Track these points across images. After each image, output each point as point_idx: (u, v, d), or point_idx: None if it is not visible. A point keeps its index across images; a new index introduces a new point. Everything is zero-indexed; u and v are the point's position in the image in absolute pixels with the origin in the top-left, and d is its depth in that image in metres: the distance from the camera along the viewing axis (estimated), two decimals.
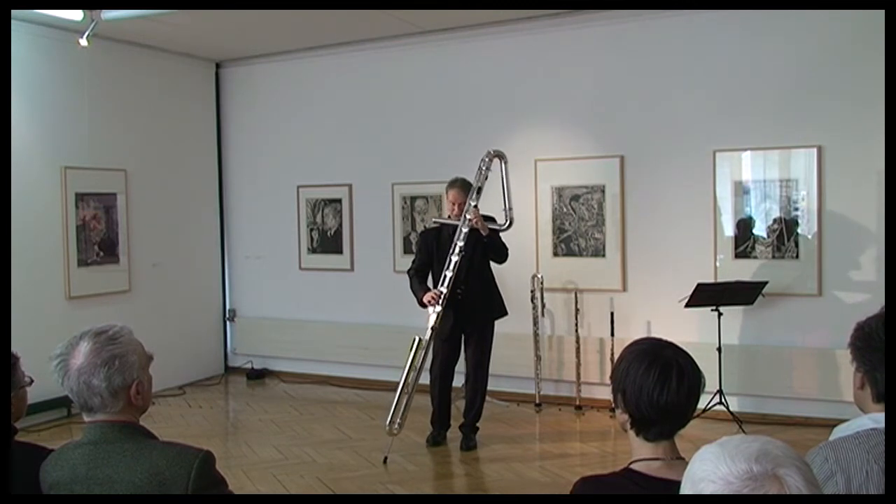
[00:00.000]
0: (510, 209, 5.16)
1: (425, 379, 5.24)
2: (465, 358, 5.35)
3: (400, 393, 4.96)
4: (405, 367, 4.97)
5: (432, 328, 5.00)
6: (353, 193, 7.21)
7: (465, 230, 5.01)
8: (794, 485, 1.09)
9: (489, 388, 6.09)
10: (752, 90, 5.62)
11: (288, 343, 7.48)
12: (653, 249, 5.99)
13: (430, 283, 5.27)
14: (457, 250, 5.00)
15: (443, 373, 5.26)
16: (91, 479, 1.84)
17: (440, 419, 5.36)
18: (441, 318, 5.02)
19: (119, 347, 1.90)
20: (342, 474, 4.84)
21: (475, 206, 5.03)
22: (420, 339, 4.98)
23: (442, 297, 4.98)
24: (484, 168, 5.10)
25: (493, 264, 5.27)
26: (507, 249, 5.20)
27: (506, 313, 5.40)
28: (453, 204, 5.18)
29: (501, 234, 5.18)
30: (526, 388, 6.31)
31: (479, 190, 5.08)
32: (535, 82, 6.35)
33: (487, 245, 5.10)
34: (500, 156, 5.16)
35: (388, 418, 4.99)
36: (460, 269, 5.04)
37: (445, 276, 5.00)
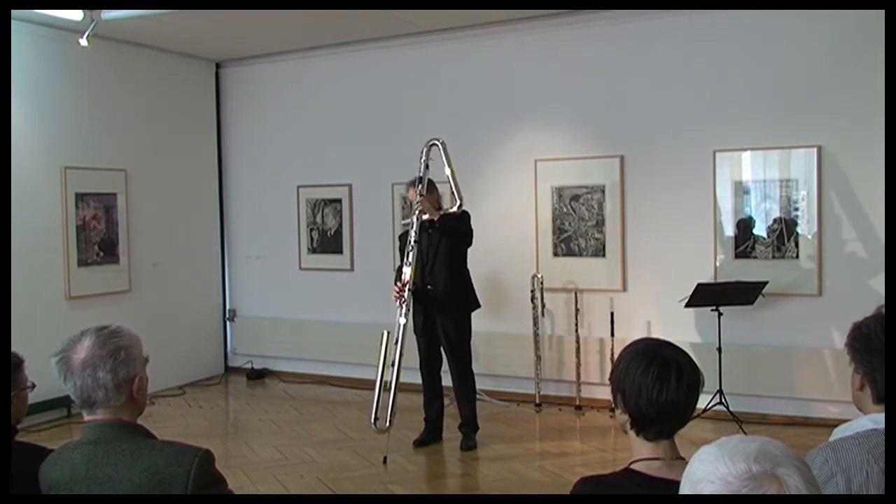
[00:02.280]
0: (457, 189, 5.17)
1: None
2: (444, 354, 5.35)
3: (379, 389, 4.97)
4: (378, 363, 4.99)
5: (400, 322, 5.03)
6: (353, 193, 7.21)
7: (414, 220, 5.10)
8: (794, 484, 1.09)
9: (489, 387, 6.11)
10: (752, 90, 5.62)
11: (288, 343, 7.48)
12: (653, 249, 5.98)
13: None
14: (411, 243, 5.07)
15: (423, 367, 5.31)
16: (91, 478, 1.84)
17: (432, 422, 5.37)
18: (411, 312, 5.06)
19: (123, 340, 1.92)
20: (342, 474, 4.84)
21: (421, 196, 5.09)
22: (388, 334, 5.00)
23: (405, 288, 5.02)
24: (423, 158, 5.17)
25: (468, 259, 5.28)
26: (466, 234, 5.18)
27: (478, 306, 5.39)
28: (413, 203, 5.24)
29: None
30: (526, 388, 6.31)
31: (422, 180, 5.15)
32: (535, 82, 6.35)
33: (442, 231, 5.12)
34: (435, 143, 5.19)
35: (372, 415, 4.99)
36: (426, 262, 5.11)
37: (404, 270, 5.08)
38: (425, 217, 5.11)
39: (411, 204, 5.22)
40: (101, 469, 1.84)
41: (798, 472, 1.10)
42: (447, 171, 5.15)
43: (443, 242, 5.15)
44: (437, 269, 5.16)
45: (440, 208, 5.25)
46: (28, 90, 5.96)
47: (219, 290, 7.82)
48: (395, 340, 4.98)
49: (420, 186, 5.13)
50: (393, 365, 4.97)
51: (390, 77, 6.95)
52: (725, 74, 5.70)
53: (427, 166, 5.17)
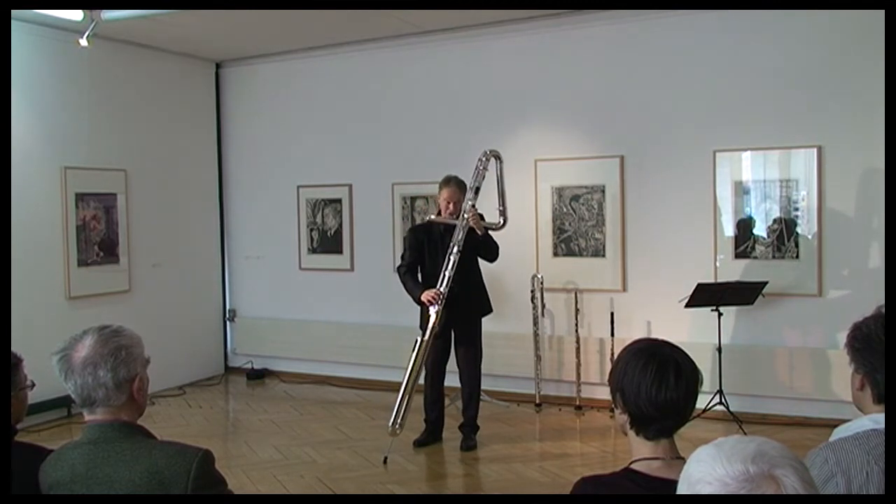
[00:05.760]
0: (505, 209, 5.17)
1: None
2: (455, 355, 5.32)
3: (403, 393, 4.93)
4: (408, 367, 4.95)
5: (432, 328, 4.97)
6: (353, 193, 7.21)
7: (462, 229, 5.00)
8: (791, 485, 1.09)
9: (489, 387, 6.11)
10: (752, 90, 5.62)
11: (288, 343, 7.48)
12: (653, 249, 5.99)
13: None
14: (455, 250, 4.99)
15: (433, 368, 5.27)
16: (90, 478, 1.85)
17: (433, 422, 5.36)
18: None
19: (125, 339, 1.92)
20: (342, 474, 4.84)
21: (473, 206, 5.02)
22: (422, 340, 4.96)
23: (442, 296, 4.97)
24: (481, 168, 5.10)
25: (480, 262, 5.27)
26: (498, 248, 5.21)
27: (492, 310, 5.41)
28: (448, 202, 5.16)
29: (493, 232, 5.20)
30: (526, 388, 6.31)
31: (477, 189, 5.08)
32: (535, 82, 6.35)
33: (481, 244, 5.11)
34: (497, 156, 5.18)
35: (392, 419, 4.92)
36: (448, 265, 5.06)
37: (445, 275, 4.98)
38: (466, 227, 5.01)
39: (449, 204, 5.12)
40: (101, 469, 1.84)
41: (795, 472, 1.10)
42: (501, 186, 5.16)
43: (468, 248, 5.07)
44: (461, 273, 5.07)
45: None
46: (28, 90, 5.96)
47: (219, 290, 7.82)
48: (425, 346, 4.94)
49: (475, 198, 5.03)
50: (416, 370, 4.94)
51: (390, 77, 6.95)
52: (725, 74, 5.70)
53: (484, 176, 5.09)
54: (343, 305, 7.26)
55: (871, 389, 1.88)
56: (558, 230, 6.32)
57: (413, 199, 6.89)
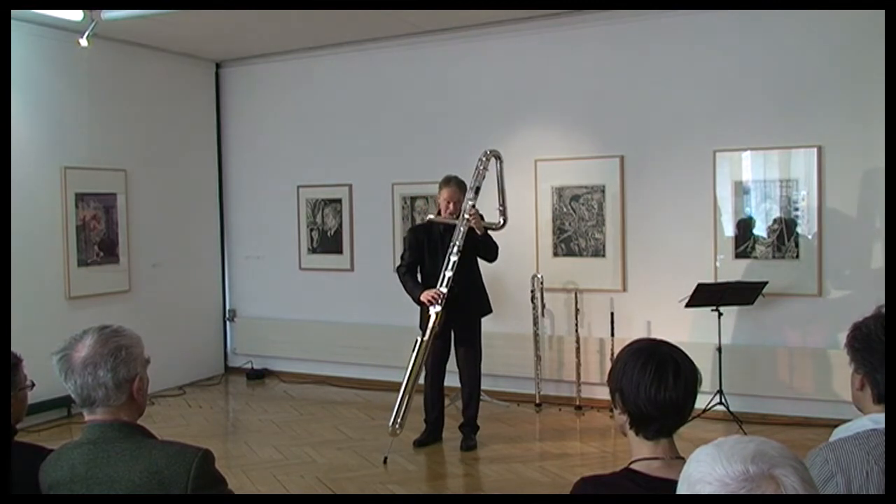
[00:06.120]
0: (505, 209, 5.17)
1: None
2: (455, 355, 5.32)
3: (403, 393, 4.93)
4: (408, 367, 4.95)
5: (432, 328, 4.97)
6: (353, 193, 7.21)
7: (463, 229, 5.00)
8: (791, 485, 1.09)
9: (489, 387, 6.12)
10: (752, 90, 5.62)
11: (288, 343, 7.48)
12: (653, 249, 5.98)
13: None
14: (455, 250, 4.99)
15: (433, 368, 5.26)
16: (90, 478, 1.85)
17: (433, 422, 5.35)
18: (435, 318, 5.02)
19: (125, 339, 1.92)
20: (342, 474, 4.84)
21: (473, 206, 5.02)
22: (422, 341, 4.96)
23: (442, 297, 4.97)
24: (482, 168, 5.10)
25: (480, 262, 5.27)
26: (498, 248, 5.21)
27: (491, 310, 5.41)
28: (448, 202, 5.16)
29: (492, 232, 5.20)
30: (526, 388, 6.31)
31: (478, 189, 5.08)
32: (535, 82, 6.35)
33: (480, 244, 5.11)
34: (497, 156, 5.17)
35: (392, 419, 4.92)
36: (448, 265, 5.05)
37: (445, 276, 4.99)
38: (466, 227, 5.00)
39: (449, 204, 5.11)
40: (101, 469, 1.84)
41: (795, 472, 1.10)
42: (501, 186, 5.15)
43: (468, 248, 5.07)
44: (461, 273, 5.06)
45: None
46: (28, 90, 5.96)
47: (219, 290, 7.82)
48: (425, 346, 4.94)
49: (476, 198, 5.03)
50: (416, 370, 4.94)
51: (391, 77, 6.95)
52: (725, 74, 5.70)
53: (484, 176, 5.08)
54: (343, 305, 7.26)
55: (871, 389, 1.88)
56: (558, 230, 6.32)
57: (413, 199, 6.89)
